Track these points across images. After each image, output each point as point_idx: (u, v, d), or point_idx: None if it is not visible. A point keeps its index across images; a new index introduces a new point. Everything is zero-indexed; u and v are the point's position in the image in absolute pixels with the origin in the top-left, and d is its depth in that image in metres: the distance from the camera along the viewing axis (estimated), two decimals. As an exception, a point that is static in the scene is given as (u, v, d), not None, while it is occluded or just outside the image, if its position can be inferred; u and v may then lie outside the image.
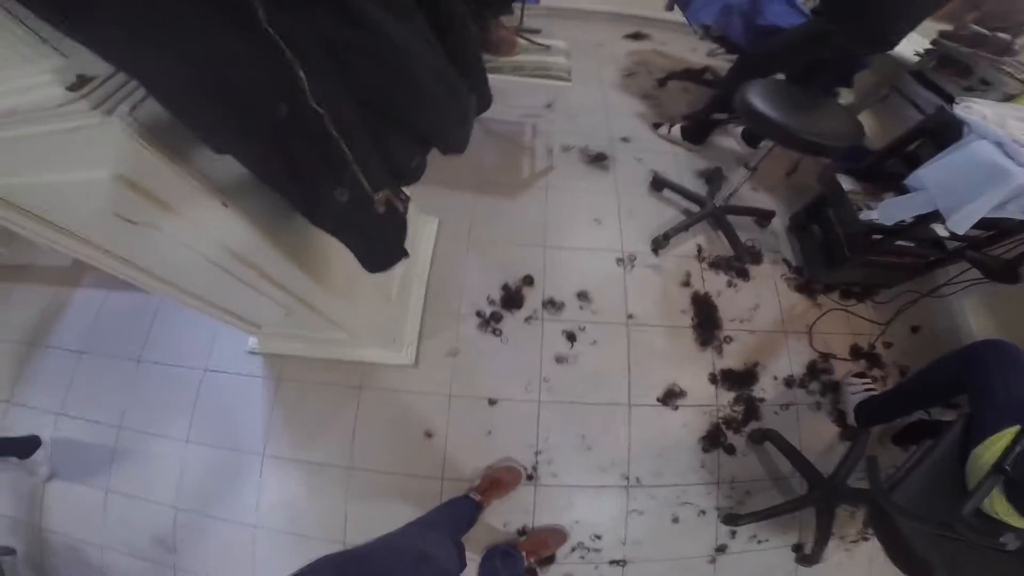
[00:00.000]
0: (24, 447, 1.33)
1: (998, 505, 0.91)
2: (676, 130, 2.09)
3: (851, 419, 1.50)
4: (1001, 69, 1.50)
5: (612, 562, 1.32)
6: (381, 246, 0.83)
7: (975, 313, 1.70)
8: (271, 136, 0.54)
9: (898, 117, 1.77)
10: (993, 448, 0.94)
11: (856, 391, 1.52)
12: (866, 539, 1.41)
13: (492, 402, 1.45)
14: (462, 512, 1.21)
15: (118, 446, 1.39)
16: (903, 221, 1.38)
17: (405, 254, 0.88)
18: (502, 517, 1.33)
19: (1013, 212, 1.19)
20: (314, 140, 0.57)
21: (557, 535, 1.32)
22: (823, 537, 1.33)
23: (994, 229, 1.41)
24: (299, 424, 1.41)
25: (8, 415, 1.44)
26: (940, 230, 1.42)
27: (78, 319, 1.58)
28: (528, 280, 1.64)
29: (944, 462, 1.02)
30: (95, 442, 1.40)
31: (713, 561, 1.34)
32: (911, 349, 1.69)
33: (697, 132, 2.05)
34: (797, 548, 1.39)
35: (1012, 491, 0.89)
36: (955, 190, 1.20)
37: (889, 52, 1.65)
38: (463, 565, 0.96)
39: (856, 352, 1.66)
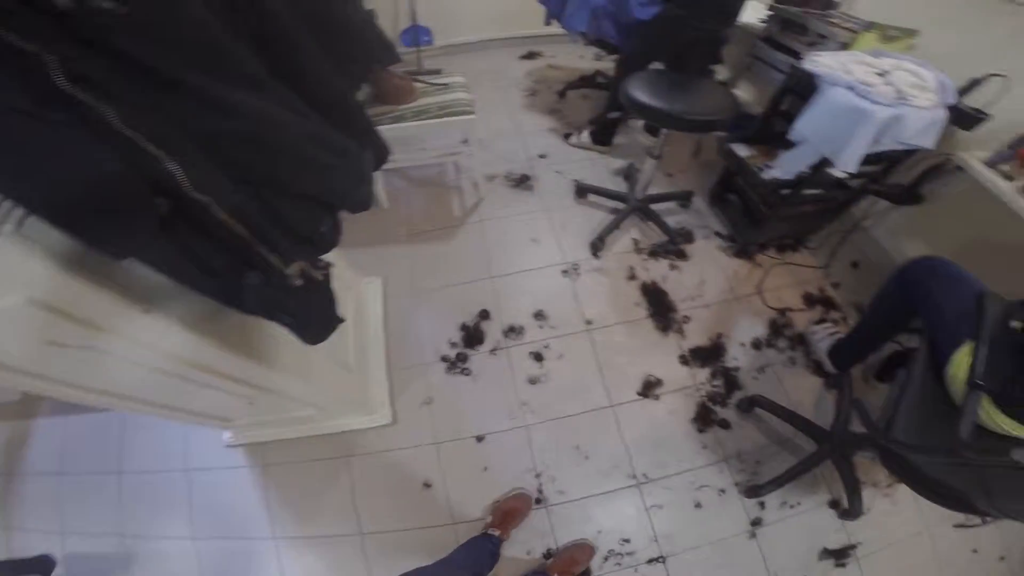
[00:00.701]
0: (41, 567, 1.29)
1: (998, 418, 0.92)
2: (585, 136, 2.22)
3: (828, 366, 1.57)
4: (829, 22, 1.68)
5: (650, 561, 1.32)
6: (311, 318, 0.83)
7: (900, 237, 1.84)
8: (162, 233, 0.54)
9: (766, 81, 1.95)
10: (962, 365, 0.96)
11: (822, 338, 1.60)
12: (891, 484, 1.46)
13: (480, 439, 1.46)
14: (482, 550, 1.22)
15: (132, 553, 1.35)
16: (803, 172, 1.52)
17: (340, 320, 0.89)
18: (524, 546, 1.33)
19: (888, 144, 1.34)
20: (206, 229, 0.57)
21: (584, 549, 1.32)
22: (853, 487, 1.35)
23: (882, 161, 1.57)
24: (299, 502, 1.39)
25: (13, 540, 1.39)
26: (838, 173, 1.57)
27: (46, 445, 1.53)
28: (484, 314, 1.68)
29: (927, 388, 1.04)
30: (108, 552, 1.35)
31: (753, 536, 1.36)
32: (858, 284, 1.82)
33: (603, 134, 2.19)
34: (834, 504, 1.40)
35: (1003, 401, 0.91)
36: (831, 136, 1.34)
37: (738, 24, 1.83)
38: None
39: (809, 300, 1.77)
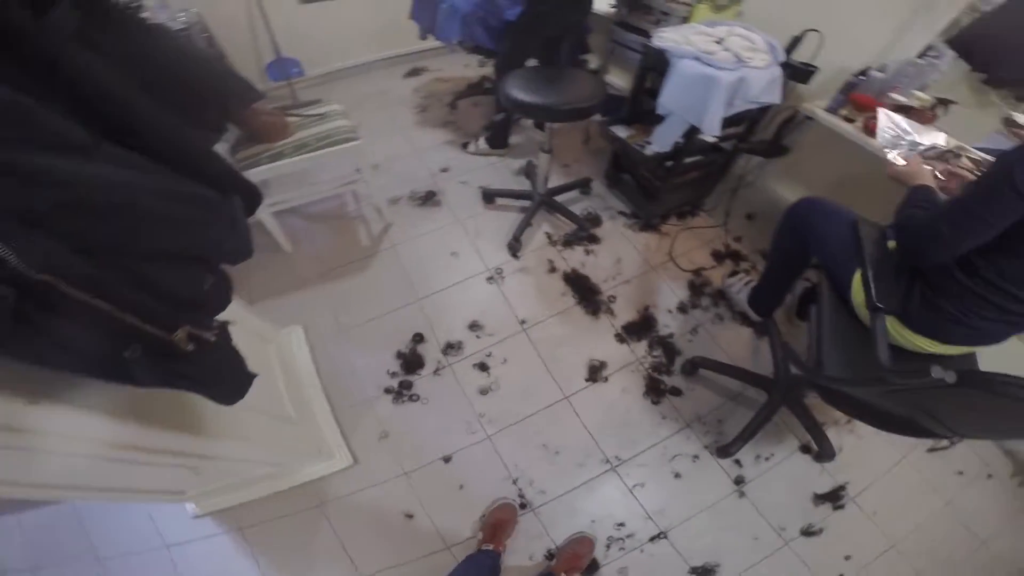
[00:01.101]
0: None
1: (911, 337, 1.01)
2: (482, 143, 2.26)
3: (752, 315, 1.71)
4: (667, -1, 1.86)
5: (652, 539, 1.36)
6: (218, 380, 0.78)
7: (780, 185, 2.04)
8: (18, 323, 0.49)
9: (628, 63, 2.11)
10: (860, 291, 1.05)
11: (739, 289, 1.75)
12: (850, 419, 1.58)
13: (447, 459, 1.43)
14: (481, 566, 1.21)
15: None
16: (678, 142, 1.66)
17: (251, 376, 0.85)
18: (524, 553, 1.33)
19: (741, 104, 1.50)
20: (63, 310, 0.52)
21: (584, 543, 1.33)
22: (815, 430, 1.46)
23: (743, 121, 1.76)
24: (289, 560, 1.31)
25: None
26: (707, 137, 1.73)
27: (7, 543, 1.35)
28: (418, 338, 1.65)
29: (842, 320, 1.12)
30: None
31: (742, 495, 1.43)
32: (757, 234, 2.01)
33: (498, 137, 2.24)
34: (806, 449, 1.51)
35: (908, 319, 1.00)
36: (690, 104, 1.48)
37: (592, 11, 1.95)
38: None
39: (718, 256, 1.94)
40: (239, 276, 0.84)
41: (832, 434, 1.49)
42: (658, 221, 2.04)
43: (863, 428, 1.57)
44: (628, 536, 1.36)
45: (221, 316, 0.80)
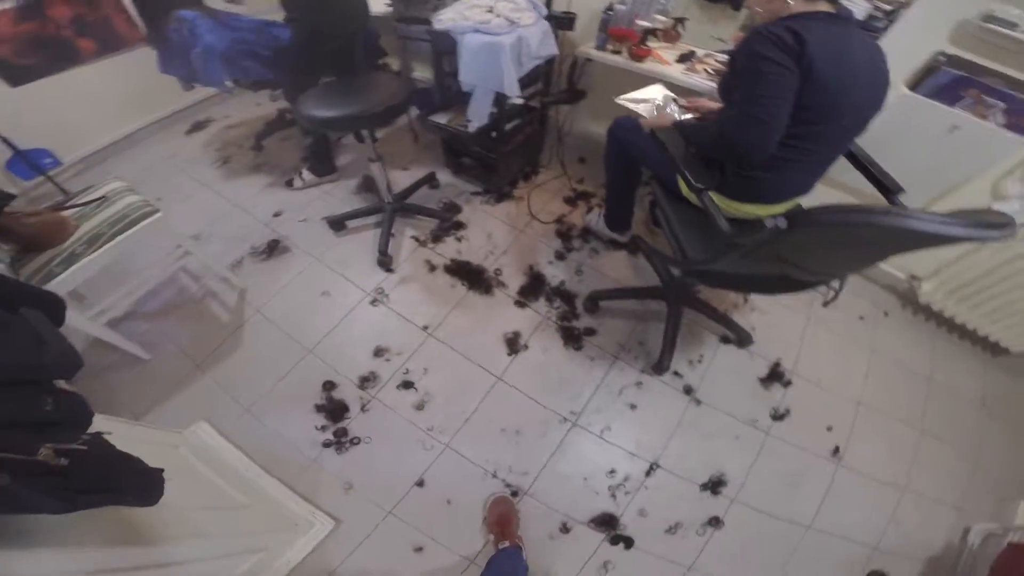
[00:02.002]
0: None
1: (741, 207, 1.18)
2: (307, 174, 2.16)
3: (618, 237, 1.95)
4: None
5: (648, 473, 1.46)
6: (120, 484, 0.76)
7: (594, 123, 2.32)
8: None
9: (425, 54, 2.14)
10: (683, 184, 1.25)
11: (597, 220, 1.98)
12: (746, 300, 1.88)
13: (420, 484, 1.41)
14: (502, 565, 1.20)
15: None
16: (492, 112, 1.80)
17: (158, 471, 0.83)
18: (544, 533, 1.36)
19: (529, 62, 1.68)
20: None
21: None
22: (722, 319, 1.68)
23: (538, 77, 1.97)
24: None
25: None
26: (515, 100, 1.91)
27: None
28: (329, 385, 1.56)
29: (684, 213, 1.29)
30: None
31: (699, 402, 1.60)
32: (593, 171, 2.25)
33: (321, 164, 2.17)
34: (726, 340, 1.72)
35: (730, 191, 1.17)
36: (487, 74, 1.62)
37: (371, 15, 1.98)
38: None
39: (570, 201, 2.16)
40: (106, 400, 0.79)
41: (739, 319, 1.75)
42: (508, 189, 2.19)
43: (762, 305, 1.88)
44: (625, 479, 1.45)
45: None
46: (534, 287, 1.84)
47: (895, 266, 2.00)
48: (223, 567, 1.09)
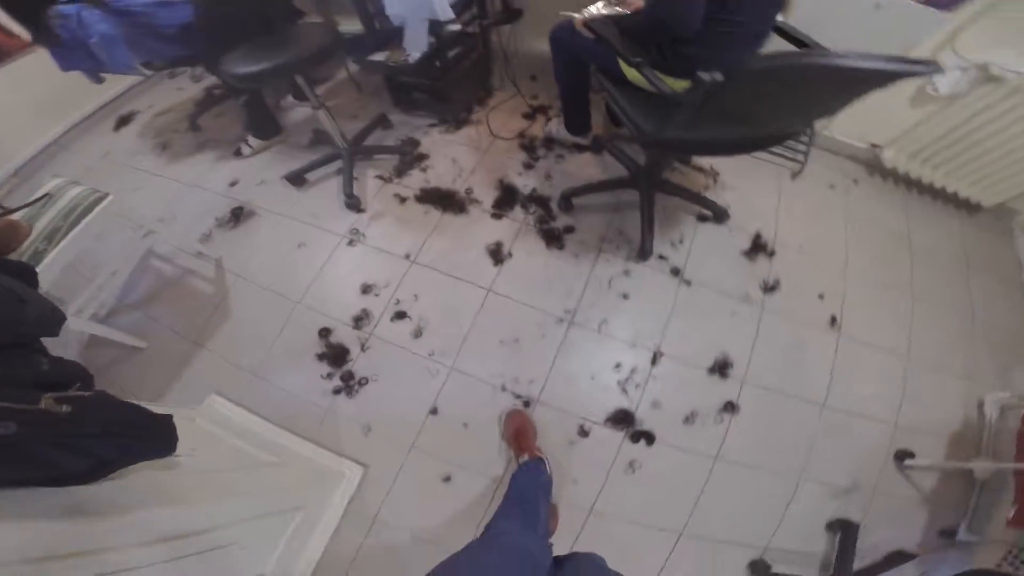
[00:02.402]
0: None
1: (681, 84, 1.22)
2: (253, 140, 2.09)
3: (581, 140, 1.96)
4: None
5: (653, 362, 1.53)
6: (134, 429, 0.78)
7: (536, 40, 2.22)
8: None
9: (346, 5, 2.00)
10: (627, 69, 1.30)
11: (558, 128, 2.01)
12: (716, 174, 1.96)
13: (434, 411, 1.45)
14: (528, 478, 1.21)
15: None
16: (430, 40, 1.75)
17: (166, 416, 0.86)
18: (562, 439, 1.42)
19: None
20: None
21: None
22: (696, 197, 1.76)
23: (471, 3, 1.90)
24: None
25: None
26: (452, 26, 1.83)
27: None
28: (325, 332, 1.57)
29: (635, 96, 1.33)
30: None
31: (688, 283, 1.67)
32: (546, 85, 2.19)
33: (266, 126, 2.10)
34: (703, 218, 1.80)
35: (668, 69, 1.21)
36: (414, 3, 1.57)
37: None
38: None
39: (528, 116, 2.15)
40: (115, 395, 0.81)
41: (711, 195, 1.80)
42: (465, 115, 2.16)
43: (733, 183, 1.94)
44: (632, 372, 1.51)
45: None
46: (507, 198, 1.84)
47: (854, 136, 2.06)
48: (267, 528, 1.12)
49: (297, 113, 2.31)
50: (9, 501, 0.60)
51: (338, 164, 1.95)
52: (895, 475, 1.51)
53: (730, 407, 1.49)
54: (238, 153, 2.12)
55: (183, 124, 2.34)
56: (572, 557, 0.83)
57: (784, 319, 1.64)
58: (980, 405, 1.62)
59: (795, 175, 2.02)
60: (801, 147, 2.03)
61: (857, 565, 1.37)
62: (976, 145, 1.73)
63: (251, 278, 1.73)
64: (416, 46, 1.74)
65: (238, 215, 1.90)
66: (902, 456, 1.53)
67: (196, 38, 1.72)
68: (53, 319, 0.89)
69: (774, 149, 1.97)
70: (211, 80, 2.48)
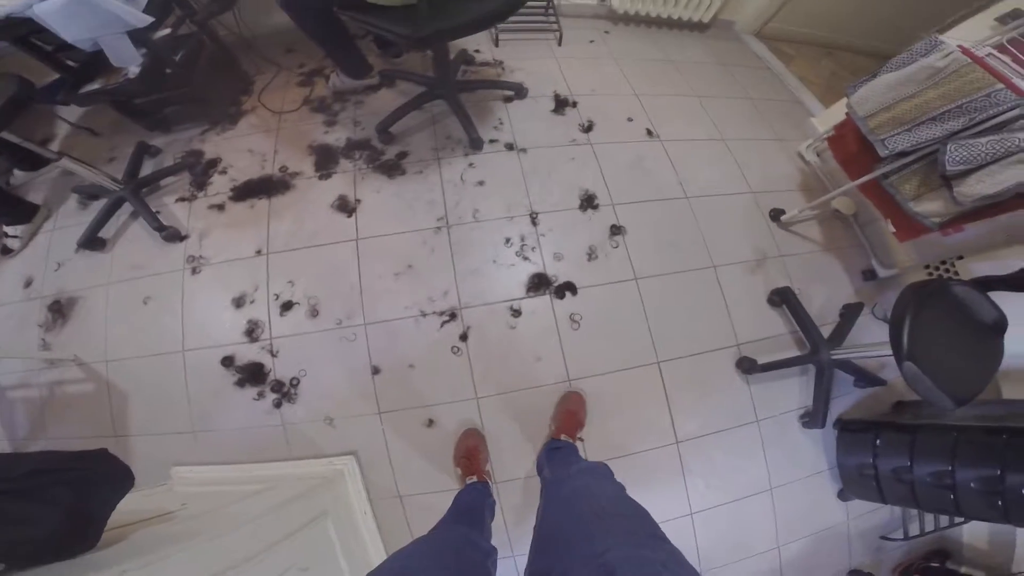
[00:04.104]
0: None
1: None
2: (12, 230, 1.83)
3: (366, 78, 2.03)
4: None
5: (534, 223, 1.74)
6: (64, 471, 0.76)
7: (267, 15, 2.22)
8: None
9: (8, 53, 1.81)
10: None
11: (339, 80, 2.03)
12: (501, 62, 2.17)
13: (376, 371, 1.52)
14: (474, 495, 1.24)
15: None
16: (143, 52, 1.63)
17: (101, 451, 0.87)
18: (503, 329, 1.56)
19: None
20: None
21: (571, 398, 1.45)
22: (494, 84, 2.05)
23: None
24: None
25: None
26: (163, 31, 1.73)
27: None
28: (227, 360, 1.54)
29: (388, 11, 1.37)
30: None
31: (524, 151, 1.87)
32: (305, 50, 2.21)
33: (14, 211, 1.84)
34: (508, 99, 2.05)
35: None
36: (97, 21, 1.40)
37: None
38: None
39: (304, 84, 2.11)
40: None
41: (507, 79, 2.10)
42: (235, 110, 2.07)
43: (518, 65, 2.20)
44: (522, 239, 1.70)
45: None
46: (326, 157, 1.87)
47: None
48: (310, 542, 1.12)
49: (42, 183, 2.00)
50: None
51: (127, 208, 1.79)
52: (782, 233, 1.90)
53: (616, 229, 1.77)
54: (7, 251, 1.83)
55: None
56: (569, 478, 0.90)
57: (613, 145, 1.97)
58: (800, 156, 2.06)
59: (560, 42, 2.38)
60: (551, 19, 2.41)
61: (825, 333, 1.64)
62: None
63: (120, 356, 1.60)
64: (126, 59, 1.58)
65: (59, 309, 1.68)
66: (776, 215, 1.91)
67: None
68: None
69: (531, 23, 2.39)
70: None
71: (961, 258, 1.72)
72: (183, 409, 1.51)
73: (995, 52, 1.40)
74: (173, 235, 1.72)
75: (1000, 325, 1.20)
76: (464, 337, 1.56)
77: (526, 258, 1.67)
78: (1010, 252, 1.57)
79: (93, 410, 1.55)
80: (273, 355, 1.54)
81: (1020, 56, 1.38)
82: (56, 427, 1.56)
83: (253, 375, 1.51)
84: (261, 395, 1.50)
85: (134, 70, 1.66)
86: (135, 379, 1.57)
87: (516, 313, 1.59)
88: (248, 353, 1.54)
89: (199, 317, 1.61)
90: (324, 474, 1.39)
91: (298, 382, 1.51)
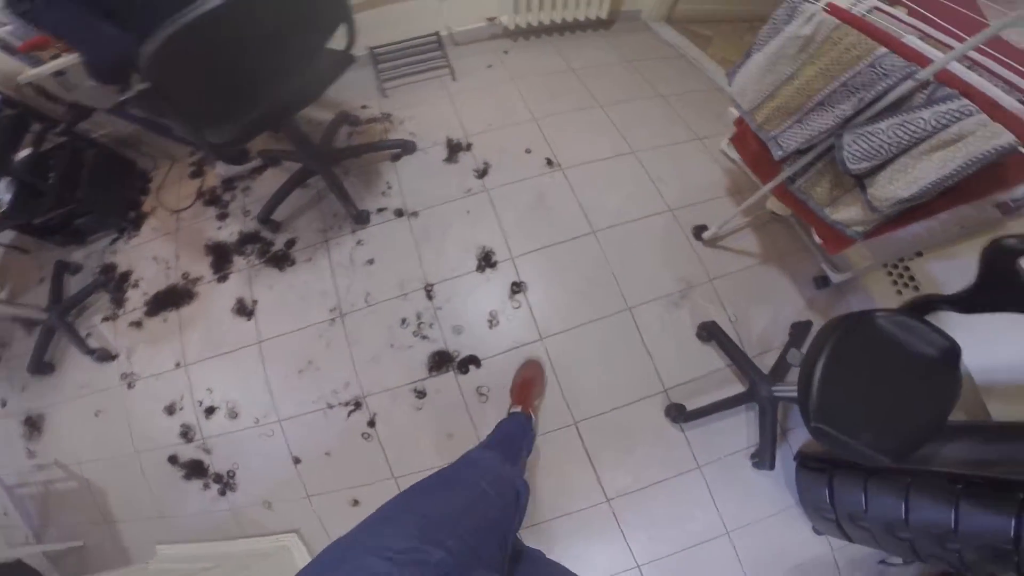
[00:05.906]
0: None
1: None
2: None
3: (249, 165, 2.18)
4: None
5: (429, 297, 1.78)
6: None
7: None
8: None
9: None
10: None
11: (226, 167, 2.16)
12: (389, 115, 2.23)
13: (297, 461, 1.73)
14: (515, 425, 1.25)
15: None
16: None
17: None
18: (408, 410, 1.63)
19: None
20: None
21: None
22: (378, 146, 2.08)
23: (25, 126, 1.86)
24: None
25: None
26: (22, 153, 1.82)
27: None
28: (173, 459, 1.87)
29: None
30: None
31: (416, 215, 1.94)
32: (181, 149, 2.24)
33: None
34: (396, 157, 2.09)
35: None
36: None
37: None
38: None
39: (196, 173, 2.27)
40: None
41: (394, 135, 2.15)
42: (135, 213, 2.26)
43: (404, 113, 2.24)
44: (418, 317, 1.75)
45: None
46: (221, 257, 2.06)
47: (471, 22, 2.42)
48: None
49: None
50: None
51: (59, 333, 2.07)
52: (710, 252, 1.73)
53: (517, 287, 1.76)
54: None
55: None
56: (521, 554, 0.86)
57: (510, 187, 1.94)
58: (725, 154, 1.81)
59: (454, 76, 2.32)
60: (438, 56, 2.34)
61: (771, 359, 1.50)
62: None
63: (89, 459, 1.96)
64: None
65: (33, 423, 2.04)
66: (699, 232, 1.67)
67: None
68: None
69: (420, 63, 2.32)
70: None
71: (920, 254, 1.49)
72: (147, 499, 1.87)
73: (882, 4, 1.14)
74: (104, 356, 2.02)
75: (951, 354, 1.01)
76: (372, 423, 1.68)
77: (424, 337, 1.74)
78: (966, 247, 1.33)
79: (82, 502, 1.94)
80: (207, 452, 1.85)
81: (917, 7, 1.08)
82: (59, 516, 1.97)
83: (195, 470, 1.84)
84: (206, 486, 1.82)
85: (6, 199, 1.79)
86: (106, 476, 1.94)
87: (420, 394, 1.67)
88: (188, 452, 1.87)
89: (142, 425, 1.94)
90: (268, 550, 1.63)
91: (234, 474, 1.76)
